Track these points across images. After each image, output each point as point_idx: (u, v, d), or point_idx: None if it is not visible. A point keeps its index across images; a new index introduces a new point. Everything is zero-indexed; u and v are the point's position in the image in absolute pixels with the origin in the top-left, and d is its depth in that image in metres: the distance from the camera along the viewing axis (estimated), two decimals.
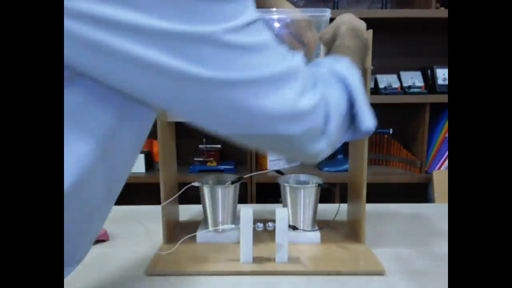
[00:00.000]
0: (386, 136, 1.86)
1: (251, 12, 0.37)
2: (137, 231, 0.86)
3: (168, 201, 0.78)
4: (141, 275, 0.68)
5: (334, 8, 1.74)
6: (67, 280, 0.46)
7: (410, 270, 0.69)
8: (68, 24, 0.32)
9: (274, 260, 0.71)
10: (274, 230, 0.70)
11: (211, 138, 1.87)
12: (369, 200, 0.79)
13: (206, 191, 0.79)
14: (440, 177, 1.66)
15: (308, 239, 0.79)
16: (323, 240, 0.79)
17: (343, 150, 1.78)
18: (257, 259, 0.71)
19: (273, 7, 0.67)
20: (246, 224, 0.69)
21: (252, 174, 1.11)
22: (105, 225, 0.79)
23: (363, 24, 0.61)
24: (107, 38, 0.32)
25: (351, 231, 0.84)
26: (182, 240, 0.76)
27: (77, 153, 0.38)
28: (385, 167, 1.87)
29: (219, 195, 0.79)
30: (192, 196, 1.00)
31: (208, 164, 1.79)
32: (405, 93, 1.72)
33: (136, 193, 1.67)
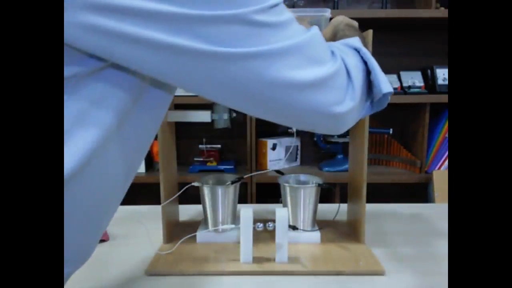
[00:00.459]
0: (386, 136, 1.86)
1: None
2: (137, 231, 0.86)
3: (168, 201, 0.78)
4: (141, 275, 0.68)
5: (334, 8, 1.74)
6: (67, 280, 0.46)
7: (410, 270, 0.69)
8: (94, 19, 0.35)
9: (274, 260, 0.71)
10: (274, 230, 0.70)
11: (211, 138, 1.87)
12: (369, 200, 0.79)
13: (206, 191, 0.79)
14: (440, 177, 1.66)
15: (308, 239, 0.79)
16: (323, 240, 0.79)
17: (343, 150, 1.78)
18: (257, 259, 0.71)
19: None
20: (246, 224, 0.69)
21: (252, 174, 1.11)
22: None
23: (356, 23, 0.65)
24: (145, 32, 0.36)
25: (351, 231, 0.84)
26: (182, 240, 0.76)
27: (96, 130, 0.40)
28: (385, 167, 1.87)
29: (219, 195, 0.79)
30: (192, 196, 1.00)
31: (208, 164, 1.79)
32: (405, 93, 1.71)
33: (136, 193, 1.66)
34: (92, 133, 0.39)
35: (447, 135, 1.74)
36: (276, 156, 1.78)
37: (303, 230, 0.80)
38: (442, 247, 0.78)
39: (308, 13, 0.68)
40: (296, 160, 1.89)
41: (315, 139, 1.78)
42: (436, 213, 0.98)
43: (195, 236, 0.79)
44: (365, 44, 0.56)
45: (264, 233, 0.76)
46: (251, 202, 1.72)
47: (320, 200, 0.82)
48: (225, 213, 0.80)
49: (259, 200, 1.74)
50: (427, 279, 0.66)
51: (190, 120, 0.83)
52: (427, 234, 0.85)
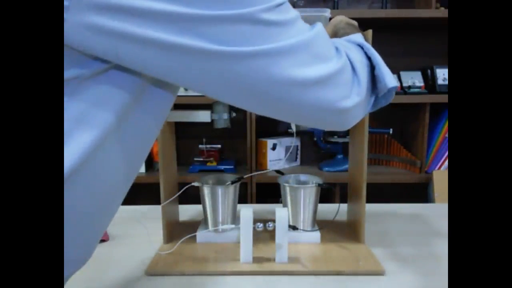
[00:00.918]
0: (386, 136, 1.86)
1: None
2: (137, 231, 0.86)
3: (168, 201, 0.78)
4: (141, 275, 0.68)
5: (334, 8, 1.74)
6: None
7: (410, 270, 0.69)
8: (99, 19, 0.35)
9: (274, 260, 0.71)
10: (274, 230, 0.70)
11: (211, 138, 1.87)
12: (369, 200, 0.79)
13: (206, 191, 0.79)
14: (440, 177, 1.66)
15: (308, 239, 0.79)
16: (323, 240, 0.79)
17: (343, 150, 1.78)
18: (257, 259, 0.71)
19: None
20: (246, 224, 0.69)
21: (252, 174, 1.11)
22: None
23: (356, 22, 0.65)
24: (153, 33, 0.36)
25: (351, 231, 0.84)
26: (182, 240, 0.76)
27: (96, 128, 0.40)
28: (385, 167, 1.87)
29: (219, 195, 0.79)
30: (192, 196, 1.00)
31: (208, 164, 1.79)
32: (405, 93, 1.72)
33: (136, 193, 1.66)
34: (92, 133, 0.39)
35: (447, 135, 1.74)
36: (276, 156, 1.78)
37: (303, 230, 0.80)
38: (442, 247, 0.78)
39: (308, 13, 0.68)
40: (296, 160, 1.89)
41: (315, 139, 1.78)
42: (436, 213, 0.98)
43: (195, 236, 0.79)
44: (366, 41, 0.56)
45: (264, 233, 0.76)
46: (251, 202, 1.72)
47: (320, 200, 0.82)
48: (225, 213, 0.80)
49: (259, 200, 1.74)
50: (427, 279, 0.66)
51: (190, 120, 0.83)
52: (427, 234, 0.85)
